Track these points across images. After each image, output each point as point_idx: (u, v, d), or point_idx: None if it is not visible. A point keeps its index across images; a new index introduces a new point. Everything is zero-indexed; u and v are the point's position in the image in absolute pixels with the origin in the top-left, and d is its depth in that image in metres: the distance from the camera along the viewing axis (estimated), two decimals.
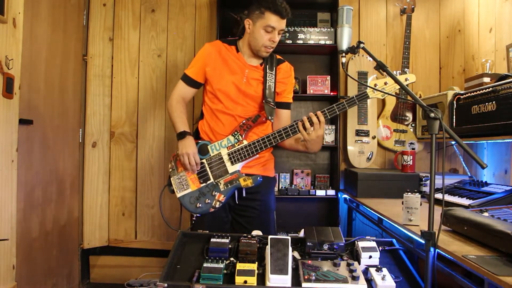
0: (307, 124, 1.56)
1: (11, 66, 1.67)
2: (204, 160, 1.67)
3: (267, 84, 1.72)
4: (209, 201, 1.63)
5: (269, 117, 1.68)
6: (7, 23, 1.63)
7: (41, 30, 2.08)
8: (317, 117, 1.55)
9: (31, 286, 1.98)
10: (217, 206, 1.63)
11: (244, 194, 1.71)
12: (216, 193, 1.64)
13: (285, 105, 1.82)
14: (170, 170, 1.73)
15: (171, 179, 1.71)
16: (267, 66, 1.75)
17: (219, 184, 1.65)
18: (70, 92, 2.47)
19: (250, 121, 1.67)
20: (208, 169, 1.67)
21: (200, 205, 1.64)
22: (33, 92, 2.01)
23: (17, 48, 1.72)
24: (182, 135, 1.67)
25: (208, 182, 1.66)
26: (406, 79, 1.54)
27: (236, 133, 1.67)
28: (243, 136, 1.66)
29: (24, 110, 1.87)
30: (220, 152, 1.67)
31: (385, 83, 1.57)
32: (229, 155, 1.66)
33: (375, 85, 1.57)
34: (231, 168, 1.65)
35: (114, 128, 2.77)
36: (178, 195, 1.68)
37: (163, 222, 2.72)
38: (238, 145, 1.65)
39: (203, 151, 1.68)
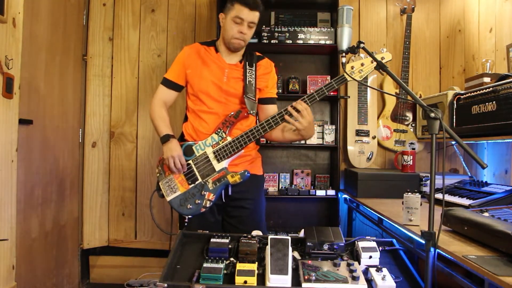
0: (295, 113, 1.55)
1: (11, 66, 1.67)
2: (190, 161, 1.67)
3: (247, 80, 1.71)
4: (199, 201, 1.63)
5: (251, 112, 1.68)
6: (6, 23, 1.63)
7: (41, 30, 2.08)
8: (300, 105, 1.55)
9: (31, 286, 1.98)
10: (207, 205, 1.63)
11: (230, 193, 1.70)
12: (205, 192, 1.63)
13: (270, 100, 1.81)
14: (158, 174, 1.73)
15: (160, 183, 1.71)
16: (247, 62, 1.75)
17: (207, 183, 1.64)
18: (70, 92, 2.47)
19: (232, 117, 1.67)
20: (195, 169, 1.66)
21: (190, 206, 1.63)
22: (33, 92, 2.01)
23: (17, 48, 1.72)
24: (165, 138, 1.66)
25: (197, 182, 1.65)
26: (382, 58, 1.53)
27: (219, 130, 1.66)
28: (226, 133, 1.66)
29: (24, 110, 1.87)
30: (205, 152, 1.66)
31: (362, 64, 1.56)
32: (214, 153, 1.65)
33: (352, 67, 1.56)
34: (217, 166, 1.64)
35: (114, 128, 2.77)
36: (168, 198, 1.67)
37: (163, 222, 2.72)
38: (222, 142, 1.65)
39: (188, 152, 1.68)
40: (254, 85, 1.72)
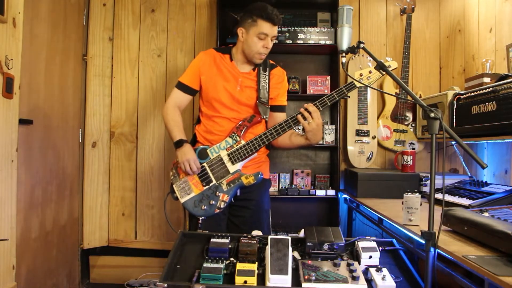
0: (306, 114, 1.60)
1: (11, 66, 1.67)
2: (204, 164, 1.71)
3: (261, 85, 1.76)
4: (213, 202, 1.67)
5: (264, 116, 1.73)
6: (7, 23, 1.63)
7: (41, 30, 2.08)
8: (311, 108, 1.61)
9: (31, 286, 1.98)
10: (222, 206, 1.67)
11: (238, 193, 1.74)
12: (219, 193, 1.67)
13: (280, 108, 1.86)
14: (172, 177, 1.77)
15: (174, 186, 1.75)
16: (261, 68, 1.80)
17: (221, 184, 1.68)
18: (70, 92, 2.47)
19: (246, 121, 1.72)
20: (209, 171, 1.70)
21: (205, 207, 1.67)
22: (33, 92, 2.01)
23: (17, 48, 1.72)
24: (179, 144, 1.71)
25: (211, 184, 1.69)
26: (389, 66, 1.56)
27: (233, 134, 1.71)
28: (240, 136, 1.70)
29: (24, 110, 1.87)
30: (219, 154, 1.71)
31: (370, 72, 1.60)
32: (229, 155, 1.69)
33: (361, 74, 1.60)
34: (232, 168, 1.69)
35: (114, 128, 2.77)
36: (182, 200, 1.71)
37: (163, 222, 2.72)
38: (237, 145, 1.69)
39: (202, 155, 1.72)
40: (267, 90, 1.77)
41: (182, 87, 1.80)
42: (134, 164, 2.78)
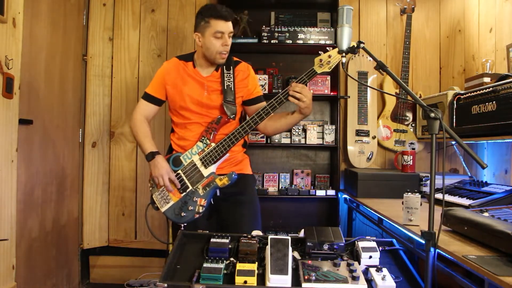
0: (296, 94, 1.55)
1: (11, 66, 1.67)
2: (179, 171, 1.72)
3: (225, 84, 1.74)
4: (192, 207, 1.67)
5: (231, 116, 1.71)
6: (6, 23, 1.63)
7: (41, 29, 2.08)
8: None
9: (30, 286, 1.98)
10: (200, 211, 1.66)
11: (218, 194, 1.73)
12: (196, 198, 1.67)
13: (257, 100, 1.83)
14: (150, 188, 1.77)
15: (153, 196, 1.76)
16: (224, 67, 1.77)
17: (198, 189, 1.68)
18: (70, 92, 2.47)
19: (213, 123, 1.71)
20: (185, 178, 1.71)
21: (184, 213, 1.67)
22: (33, 92, 2.01)
23: (17, 48, 1.72)
24: (150, 156, 1.71)
25: (188, 190, 1.70)
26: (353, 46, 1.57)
27: (203, 138, 1.71)
28: (210, 139, 1.70)
29: (24, 110, 1.87)
30: (192, 160, 1.71)
31: (329, 56, 1.59)
32: (201, 160, 1.70)
33: (320, 60, 1.59)
34: (205, 172, 1.69)
35: (114, 128, 2.77)
36: (162, 210, 1.72)
37: (163, 222, 2.72)
38: (207, 148, 1.69)
39: (176, 163, 1.73)
40: (233, 89, 1.75)
41: (149, 98, 1.80)
42: (134, 164, 2.78)
